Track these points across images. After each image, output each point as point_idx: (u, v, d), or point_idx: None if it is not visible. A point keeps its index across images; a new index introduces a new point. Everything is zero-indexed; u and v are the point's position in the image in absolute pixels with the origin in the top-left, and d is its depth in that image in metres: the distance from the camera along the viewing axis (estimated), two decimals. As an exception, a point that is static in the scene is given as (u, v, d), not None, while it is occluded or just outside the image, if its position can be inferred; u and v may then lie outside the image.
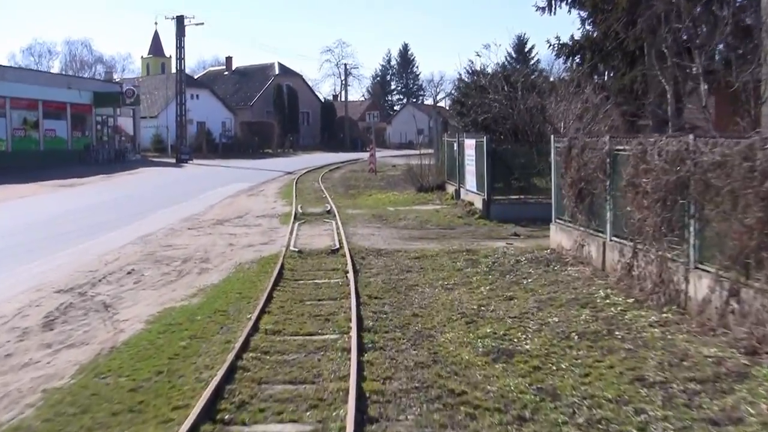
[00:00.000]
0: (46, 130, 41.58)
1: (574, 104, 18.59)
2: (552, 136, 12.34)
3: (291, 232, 14.47)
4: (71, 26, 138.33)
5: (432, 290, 9.25)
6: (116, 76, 70.63)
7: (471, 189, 18.34)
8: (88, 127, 46.07)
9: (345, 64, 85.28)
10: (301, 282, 9.86)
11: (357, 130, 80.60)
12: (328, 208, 19.05)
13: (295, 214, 17.64)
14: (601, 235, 10.24)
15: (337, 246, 12.52)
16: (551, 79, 24.73)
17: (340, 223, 15.67)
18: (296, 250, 12.17)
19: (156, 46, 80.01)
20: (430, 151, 26.31)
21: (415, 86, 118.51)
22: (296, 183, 29.27)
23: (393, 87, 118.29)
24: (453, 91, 25.75)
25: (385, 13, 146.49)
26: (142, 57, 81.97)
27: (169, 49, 78.52)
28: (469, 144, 18.42)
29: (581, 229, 10.87)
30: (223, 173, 37.98)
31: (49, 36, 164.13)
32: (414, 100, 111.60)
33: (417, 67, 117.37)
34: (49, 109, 42.10)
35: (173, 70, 72.60)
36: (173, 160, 47.22)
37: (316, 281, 9.90)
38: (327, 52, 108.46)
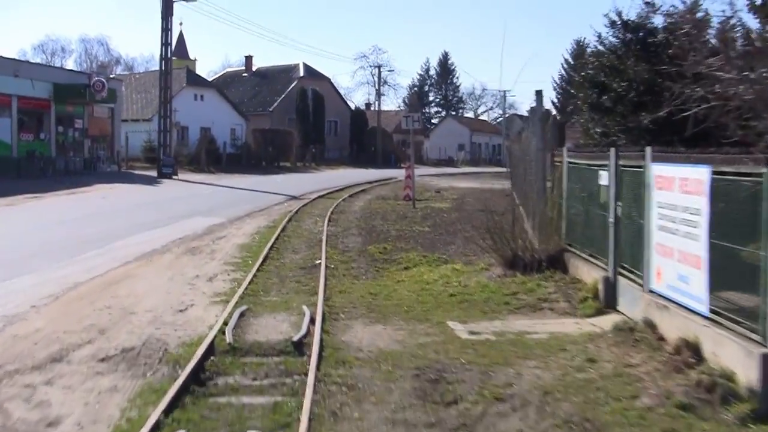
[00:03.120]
0: (-22, 131, 31.24)
1: None
2: None
3: None
4: (87, 23, 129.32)
5: None
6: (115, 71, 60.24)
7: (683, 300, 6.84)
8: (45, 129, 35.66)
9: (379, 67, 74.10)
10: None
11: (391, 143, 69.62)
12: (305, 330, 7.74)
13: (199, 364, 6.44)
14: None
15: None
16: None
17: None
18: None
19: (180, 48, 70.02)
20: (503, 168, 14.73)
21: (455, 98, 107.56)
22: (289, 221, 18.20)
23: (431, 98, 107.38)
24: (588, 62, 14.18)
25: (424, 26, 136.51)
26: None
27: (194, 50, 68.19)
28: (676, 178, 7.03)
29: None
30: (202, 196, 27.01)
31: (63, 32, 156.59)
32: (453, 112, 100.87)
33: (457, 77, 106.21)
34: (-16, 102, 31.87)
35: (196, 71, 62.52)
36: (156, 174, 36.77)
37: None
38: (361, 59, 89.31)
